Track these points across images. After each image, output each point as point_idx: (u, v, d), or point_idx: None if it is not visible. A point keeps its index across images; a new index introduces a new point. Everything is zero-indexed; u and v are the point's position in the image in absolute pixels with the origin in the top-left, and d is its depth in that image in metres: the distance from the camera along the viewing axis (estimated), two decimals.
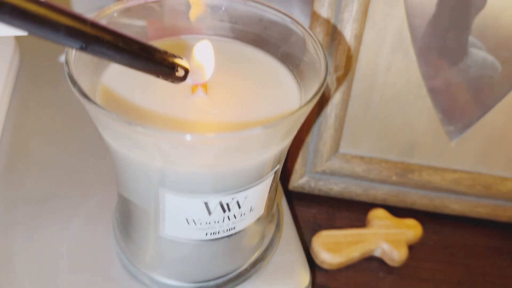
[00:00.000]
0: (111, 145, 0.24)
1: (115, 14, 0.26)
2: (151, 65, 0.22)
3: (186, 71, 0.23)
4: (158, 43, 0.29)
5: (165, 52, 0.22)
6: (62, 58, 0.46)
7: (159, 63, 0.22)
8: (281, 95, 0.27)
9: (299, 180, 0.41)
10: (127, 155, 0.24)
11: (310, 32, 0.26)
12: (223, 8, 0.29)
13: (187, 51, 0.29)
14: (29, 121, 0.41)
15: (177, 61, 0.23)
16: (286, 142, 0.25)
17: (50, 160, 0.38)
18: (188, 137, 0.20)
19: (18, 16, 0.17)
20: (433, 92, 0.39)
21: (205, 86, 0.26)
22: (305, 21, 0.34)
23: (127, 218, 0.30)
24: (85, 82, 0.24)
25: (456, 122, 0.40)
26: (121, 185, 0.28)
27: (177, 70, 0.23)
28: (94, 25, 0.19)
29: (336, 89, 0.37)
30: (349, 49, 0.36)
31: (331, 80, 0.37)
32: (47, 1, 0.17)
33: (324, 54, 0.24)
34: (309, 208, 0.41)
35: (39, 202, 0.35)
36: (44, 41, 0.33)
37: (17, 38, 0.46)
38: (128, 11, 0.27)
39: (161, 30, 0.29)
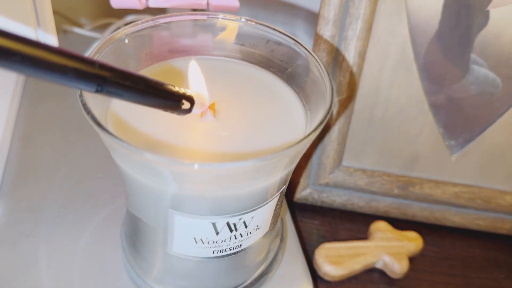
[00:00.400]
0: (122, 168, 0.25)
1: (124, 37, 0.27)
2: (157, 101, 0.23)
3: (192, 103, 0.24)
4: (164, 65, 0.30)
5: (171, 88, 0.23)
6: None
7: (165, 99, 0.23)
8: (288, 117, 0.28)
9: (303, 191, 0.42)
10: (138, 179, 0.25)
11: (315, 56, 0.27)
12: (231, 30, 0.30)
13: (195, 71, 0.30)
14: (36, 133, 0.42)
15: (182, 94, 0.24)
16: (292, 166, 0.26)
17: (58, 173, 0.39)
18: (197, 166, 0.21)
19: (29, 64, 0.17)
20: (435, 108, 0.39)
21: (213, 109, 0.27)
22: (309, 42, 0.35)
23: (135, 234, 0.30)
24: (96, 106, 0.24)
25: (457, 137, 0.40)
26: (130, 203, 0.29)
27: (182, 103, 0.23)
28: (102, 66, 0.19)
29: (341, 112, 0.38)
30: (352, 69, 0.37)
31: (334, 102, 0.38)
32: (55, 47, 0.17)
33: (330, 82, 0.25)
34: (312, 220, 0.42)
35: (47, 216, 0.36)
36: None
37: None
38: (135, 33, 0.28)
39: (168, 52, 0.30)
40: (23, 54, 0.16)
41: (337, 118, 0.38)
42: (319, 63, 0.26)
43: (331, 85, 0.25)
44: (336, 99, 0.38)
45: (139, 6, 0.36)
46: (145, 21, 0.28)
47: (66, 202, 0.37)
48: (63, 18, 0.52)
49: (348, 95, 0.38)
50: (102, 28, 0.50)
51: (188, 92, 0.24)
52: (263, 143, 0.26)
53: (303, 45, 0.28)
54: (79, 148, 0.41)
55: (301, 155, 0.26)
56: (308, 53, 0.28)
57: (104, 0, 0.53)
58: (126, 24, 0.48)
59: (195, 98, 0.24)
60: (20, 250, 0.33)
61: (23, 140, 0.41)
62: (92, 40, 0.48)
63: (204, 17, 0.29)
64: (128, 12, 0.49)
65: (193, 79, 0.26)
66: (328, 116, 0.23)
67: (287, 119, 0.28)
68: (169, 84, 0.23)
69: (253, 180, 0.24)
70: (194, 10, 0.46)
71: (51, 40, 0.33)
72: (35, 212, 0.36)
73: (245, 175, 0.23)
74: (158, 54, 0.29)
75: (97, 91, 0.19)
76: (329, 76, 0.25)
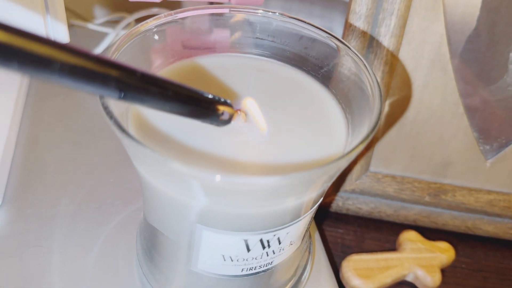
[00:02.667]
0: (145, 178, 0.22)
1: (154, 29, 0.24)
2: (197, 113, 0.20)
3: (231, 115, 0.22)
4: (190, 62, 0.27)
5: (211, 98, 0.21)
6: None
7: (205, 110, 0.21)
8: (325, 122, 0.25)
9: (326, 198, 0.39)
10: (163, 190, 0.22)
11: (357, 53, 0.24)
12: (261, 25, 0.27)
13: (223, 69, 0.27)
14: (43, 135, 0.39)
15: (222, 106, 0.21)
16: (333, 180, 0.23)
17: (66, 178, 0.36)
18: (237, 180, 0.18)
19: (66, 73, 0.14)
20: (470, 111, 0.37)
21: (243, 114, 0.24)
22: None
23: (154, 247, 0.28)
24: (116, 107, 0.22)
25: (492, 141, 0.38)
26: (150, 215, 0.26)
27: (222, 114, 0.21)
28: (144, 76, 0.17)
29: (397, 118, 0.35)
30: (384, 68, 0.34)
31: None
32: (95, 54, 0.15)
33: (378, 84, 0.22)
34: (336, 228, 0.40)
35: (55, 224, 0.33)
36: None
37: None
38: (162, 28, 0.25)
39: (193, 48, 0.27)
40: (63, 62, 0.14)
41: (391, 124, 0.35)
42: (362, 61, 0.24)
43: (379, 87, 0.22)
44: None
45: None
46: (169, 14, 0.25)
47: (76, 209, 0.34)
48: (71, 13, 0.49)
49: (399, 96, 0.35)
50: (111, 23, 0.47)
51: (227, 101, 0.21)
52: (299, 155, 0.23)
53: (343, 41, 0.25)
54: (88, 151, 0.38)
55: (343, 168, 0.23)
56: (348, 50, 0.25)
57: None
58: (137, 20, 0.45)
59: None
60: (26, 262, 0.31)
61: (29, 143, 0.38)
62: (101, 35, 0.45)
63: (231, 11, 0.27)
64: (140, 7, 0.46)
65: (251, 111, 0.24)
66: (378, 124, 0.21)
67: (324, 126, 0.25)
68: (210, 95, 0.20)
69: (285, 197, 0.21)
70: (211, 3, 0.43)
71: (61, 29, 0.30)
72: (42, 221, 0.33)
73: (277, 191, 0.21)
74: (182, 50, 0.27)
75: (126, 100, 0.16)
76: (375, 76, 0.23)
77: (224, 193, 0.20)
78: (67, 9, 0.32)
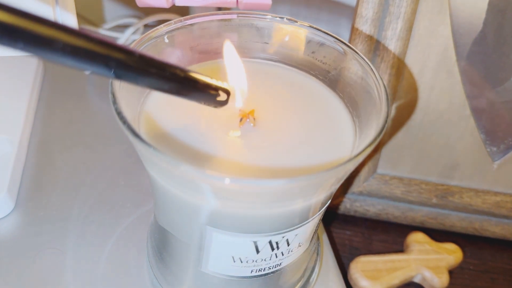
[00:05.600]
0: (156, 181, 0.23)
1: (165, 35, 0.25)
2: (195, 93, 0.21)
3: (228, 94, 0.22)
4: (201, 66, 0.28)
5: (207, 79, 0.21)
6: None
7: (203, 90, 0.21)
8: (333, 125, 0.26)
9: (334, 200, 0.40)
10: (174, 193, 0.22)
11: (364, 57, 0.25)
12: (269, 30, 0.27)
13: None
14: (54, 138, 0.40)
15: (219, 85, 0.22)
16: (341, 182, 0.23)
17: (77, 181, 0.37)
18: (247, 182, 0.19)
19: (70, 53, 0.16)
20: (477, 112, 0.37)
21: (252, 118, 0.24)
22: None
23: (164, 249, 0.28)
24: (128, 111, 0.22)
25: (499, 143, 0.38)
26: (161, 217, 0.27)
27: (219, 95, 0.22)
28: (142, 57, 0.18)
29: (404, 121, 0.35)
30: (390, 71, 0.35)
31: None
32: (95, 36, 0.16)
33: (385, 87, 0.23)
34: (343, 230, 0.40)
35: (67, 227, 0.34)
36: None
37: None
38: (172, 33, 0.26)
39: (204, 53, 0.27)
40: (64, 43, 0.15)
41: (397, 127, 0.35)
42: (369, 65, 0.24)
43: (386, 91, 0.23)
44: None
45: (165, 4, 0.33)
46: (178, 21, 0.26)
47: (87, 211, 0.35)
48: (81, 18, 0.50)
49: (406, 99, 0.35)
50: (120, 27, 0.48)
51: (224, 85, 0.22)
52: (308, 158, 0.24)
53: (349, 45, 0.26)
54: (99, 154, 0.39)
55: (351, 171, 0.23)
56: (355, 54, 0.25)
57: (122, 0, 0.51)
58: (146, 25, 0.46)
59: (232, 89, 0.23)
60: (40, 263, 0.31)
61: (41, 147, 0.39)
62: (110, 40, 0.46)
63: (242, 16, 0.27)
64: (149, 12, 0.47)
65: (229, 63, 0.24)
66: (385, 127, 0.21)
67: (332, 129, 0.25)
68: (205, 76, 0.21)
69: (294, 200, 0.22)
70: (219, 8, 0.44)
71: (70, 18, 0.31)
72: (54, 223, 0.34)
73: (286, 194, 0.21)
74: (192, 55, 0.27)
75: (129, 81, 0.17)
76: (382, 80, 0.23)
77: (234, 196, 0.21)
78: (77, 14, 0.32)
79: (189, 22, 0.27)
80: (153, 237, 0.30)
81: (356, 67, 0.26)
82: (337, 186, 0.23)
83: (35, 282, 0.30)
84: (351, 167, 0.20)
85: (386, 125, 0.21)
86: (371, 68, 0.24)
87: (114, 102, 0.21)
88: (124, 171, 0.38)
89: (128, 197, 0.36)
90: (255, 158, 0.23)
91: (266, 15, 0.27)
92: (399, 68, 0.35)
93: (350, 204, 0.39)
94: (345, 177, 0.23)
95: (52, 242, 0.33)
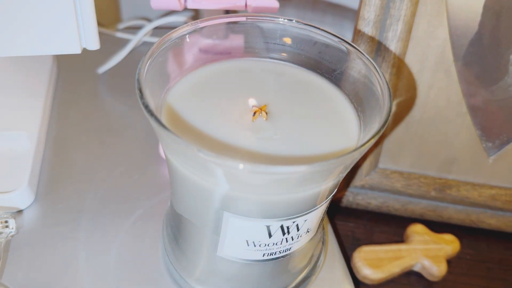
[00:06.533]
0: (175, 166, 0.25)
1: (181, 37, 0.27)
2: None
3: None
4: (218, 65, 0.30)
5: None
6: (101, 70, 0.46)
7: None
8: (339, 120, 0.28)
9: (338, 194, 0.41)
10: (191, 178, 0.24)
11: (367, 56, 0.27)
12: (279, 32, 0.29)
13: (246, 72, 0.29)
14: (69, 134, 0.42)
15: None
16: (346, 172, 0.25)
17: (94, 174, 0.39)
18: (262, 168, 0.21)
19: None
20: (473, 110, 0.39)
21: (265, 113, 0.26)
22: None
23: (180, 234, 0.30)
24: (152, 100, 0.24)
25: (495, 139, 0.40)
26: (177, 203, 0.29)
27: None
28: None
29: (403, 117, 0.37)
30: (391, 71, 0.37)
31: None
32: None
33: (387, 83, 0.25)
34: (347, 222, 0.42)
35: (85, 217, 0.36)
36: (82, 53, 0.33)
37: None
38: (190, 35, 0.28)
39: (213, 54, 0.29)
40: None
41: (398, 122, 0.37)
42: (372, 64, 0.26)
43: (388, 87, 0.25)
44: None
45: (178, 7, 0.35)
46: (194, 23, 0.28)
47: (103, 203, 0.37)
48: None
49: (406, 97, 0.37)
50: (132, 29, 0.50)
51: None
52: (316, 148, 0.26)
53: (354, 45, 0.28)
54: (114, 149, 0.41)
55: (356, 162, 0.25)
56: (359, 54, 0.27)
57: (132, 3, 0.53)
58: (156, 27, 0.47)
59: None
60: (60, 252, 0.33)
61: (57, 142, 0.41)
62: (123, 41, 0.48)
63: (253, 18, 0.29)
64: (161, 15, 0.49)
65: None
66: (388, 120, 0.23)
67: (339, 123, 0.27)
68: None
69: (305, 186, 0.24)
70: (227, 11, 0.46)
71: (93, 36, 0.33)
72: (72, 214, 0.36)
73: (299, 180, 0.23)
74: (207, 56, 0.29)
75: None
76: (384, 78, 0.25)
77: (249, 182, 0.23)
78: None
79: (202, 24, 0.29)
80: (169, 224, 0.32)
81: (359, 66, 0.28)
82: (343, 175, 0.25)
83: (54, 269, 0.32)
84: (358, 155, 0.22)
85: (389, 119, 0.23)
86: (374, 67, 0.26)
87: (141, 97, 0.23)
88: (136, 165, 0.40)
89: (141, 190, 0.38)
90: (267, 148, 0.25)
91: (278, 17, 0.29)
92: (400, 67, 0.37)
93: (353, 197, 0.41)
94: (351, 166, 0.25)
95: (69, 231, 0.35)
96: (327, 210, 0.41)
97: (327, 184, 0.24)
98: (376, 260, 0.37)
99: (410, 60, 0.37)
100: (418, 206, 0.41)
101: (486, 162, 0.40)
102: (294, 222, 0.26)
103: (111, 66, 0.46)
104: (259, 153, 0.25)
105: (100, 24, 0.52)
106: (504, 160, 0.40)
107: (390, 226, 0.42)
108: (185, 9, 0.37)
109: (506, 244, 0.42)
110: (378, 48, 0.37)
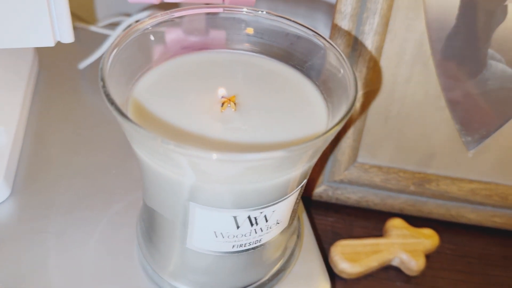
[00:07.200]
0: (143, 159, 0.25)
1: (150, 28, 0.27)
2: None
3: None
4: (188, 57, 0.30)
5: None
6: (82, 65, 0.46)
7: None
8: (309, 110, 0.27)
9: (317, 188, 0.41)
10: (159, 170, 0.24)
11: (337, 48, 0.27)
12: (250, 23, 0.29)
13: (216, 64, 0.29)
14: (49, 129, 0.41)
15: None
16: (314, 160, 0.25)
17: (71, 169, 0.38)
18: (216, 156, 0.21)
19: None
20: (452, 104, 0.39)
21: (233, 103, 0.26)
22: (329, 35, 0.35)
23: (152, 228, 0.30)
24: (118, 95, 0.24)
25: (474, 133, 0.40)
26: (148, 197, 0.29)
27: None
28: None
29: (364, 108, 0.37)
30: (368, 64, 0.37)
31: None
32: None
33: (354, 73, 0.25)
34: (326, 217, 0.42)
35: (61, 212, 0.35)
36: (63, 49, 0.33)
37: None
38: (153, 27, 0.27)
39: (192, 45, 0.29)
40: None
41: (360, 113, 0.37)
42: (341, 56, 0.26)
43: (355, 77, 0.25)
44: (360, 92, 0.37)
45: (155, 1, 0.35)
46: (164, 14, 0.28)
47: (81, 198, 0.37)
48: (74, 16, 0.51)
49: (371, 88, 0.37)
50: (112, 25, 0.50)
51: None
52: (284, 137, 0.26)
53: (324, 37, 0.28)
54: (92, 144, 0.41)
55: (323, 148, 0.25)
56: (329, 46, 0.27)
57: None
58: (137, 21, 0.47)
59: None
60: (34, 246, 0.33)
61: (37, 137, 0.41)
62: (102, 37, 0.48)
63: (222, 10, 0.29)
64: (139, 9, 0.49)
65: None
66: (353, 109, 0.23)
67: (308, 113, 0.27)
68: None
69: (275, 173, 0.24)
70: (207, 4, 0.46)
71: (67, 29, 0.32)
72: (48, 209, 0.36)
73: (268, 167, 0.23)
74: (177, 47, 0.29)
75: None
76: (352, 68, 0.25)
77: (214, 171, 0.23)
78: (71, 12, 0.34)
79: (175, 15, 0.29)
80: (142, 218, 0.32)
81: (330, 57, 0.28)
82: (312, 164, 0.25)
83: (29, 263, 0.32)
84: (322, 141, 0.22)
85: (354, 106, 0.23)
86: (342, 56, 0.26)
87: (103, 86, 0.22)
88: (115, 161, 0.39)
89: (119, 185, 0.38)
90: (235, 138, 0.25)
91: (248, 9, 0.29)
92: (377, 61, 0.37)
93: (332, 192, 0.41)
94: (319, 154, 0.25)
95: (45, 226, 0.34)
96: (306, 204, 0.41)
97: (295, 172, 0.24)
98: (354, 254, 0.37)
99: (387, 54, 0.37)
100: (397, 201, 0.41)
101: (465, 156, 0.40)
102: (261, 212, 0.25)
103: (92, 61, 0.46)
104: (226, 143, 0.25)
105: (80, 19, 0.52)
106: (484, 154, 0.40)
107: (370, 221, 0.42)
108: (163, 2, 0.37)
109: (486, 238, 0.42)
110: (355, 41, 0.37)
